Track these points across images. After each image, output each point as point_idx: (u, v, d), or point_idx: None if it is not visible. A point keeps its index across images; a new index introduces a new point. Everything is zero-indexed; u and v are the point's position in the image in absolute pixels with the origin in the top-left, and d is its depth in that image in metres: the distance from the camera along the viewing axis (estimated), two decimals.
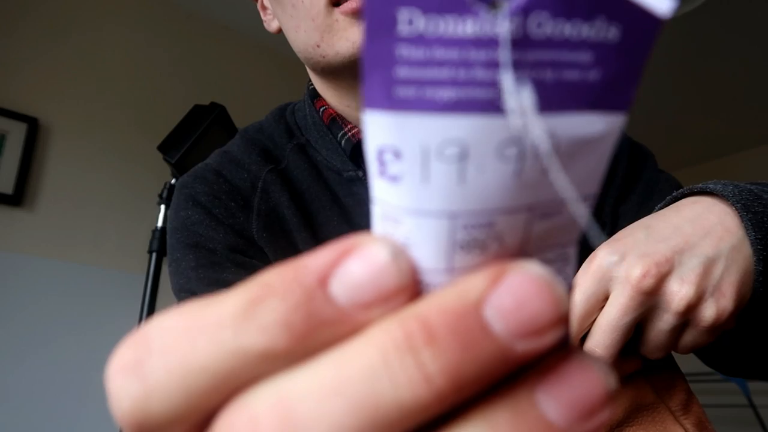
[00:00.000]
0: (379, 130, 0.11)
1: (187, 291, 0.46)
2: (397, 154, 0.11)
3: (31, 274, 1.41)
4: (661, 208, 0.34)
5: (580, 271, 0.31)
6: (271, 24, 0.55)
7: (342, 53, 0.44)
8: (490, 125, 0.11)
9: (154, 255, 0.77)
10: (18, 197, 1.42)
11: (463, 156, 0.11)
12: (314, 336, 0.11)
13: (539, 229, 0.12)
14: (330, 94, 0.52)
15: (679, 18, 1.87)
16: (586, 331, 0.30)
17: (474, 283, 0.11)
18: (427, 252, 0.12)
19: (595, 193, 0.13)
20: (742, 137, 2.85)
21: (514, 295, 0.11)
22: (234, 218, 0.48)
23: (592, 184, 0.12)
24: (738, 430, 2.41)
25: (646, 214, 0.35)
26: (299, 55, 0.49)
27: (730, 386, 2.26)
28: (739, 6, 1.87)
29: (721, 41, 2.08)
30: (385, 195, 0.12)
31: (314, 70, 0.50)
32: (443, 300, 0.11)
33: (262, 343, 0.11)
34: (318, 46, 0.44)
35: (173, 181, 0.80)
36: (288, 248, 0.48)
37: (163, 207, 0.79)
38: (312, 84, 0.55)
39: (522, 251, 0.13)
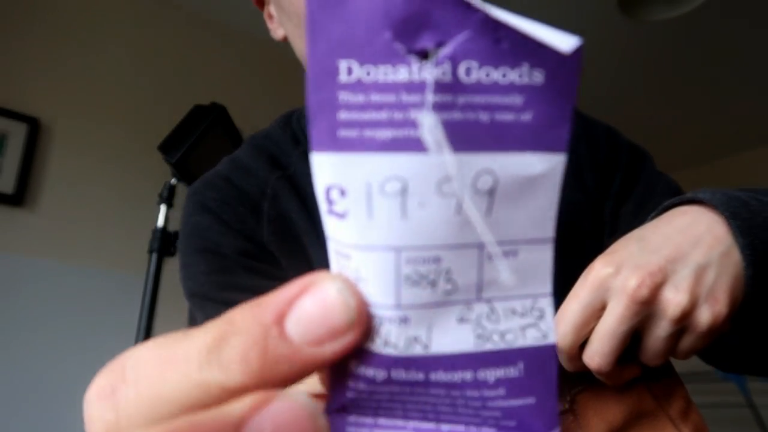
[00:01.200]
0: (326, 170, 0.12)
1: (199, 296, 0.47)
2: (343, 192, 0.12)
3: (32, 275, 1.41)
4: (653, 218, 0.35)
5: (577, 282, 0.32)
6: (277, 32, 0.58)
7: None
8: (427, 162, 0.12)
9: (154, 255, 0.77)
10: (19, 197, 1.42)
11: (403, 191, 0.12)
12: (271, 371, 0.12)
13: (495, 272, 0.13)
14: None
15: (679, 18, 1.87)
16: (584, 340, 0.31)
17: (237, 405, 0.11)
18: (377, 287, 0.13)
19: (552, 236, 0.13)
20: (742, 137, 2.85)
21: (274, 423, 0.11)
22: (244, 224, 0.48)
23: (546, 226, 0.13)
24: (738, 430, 2.41)
25: (645, 216, 0.36)
26: (302, 61, 0.52)
27: (730, 386, 2.26)
28: (739, 6, 1.87)
29: (721, 41, 2.08)
30: (335, 232, 0.13)
31: None
32: (203, 418, 0.11)
33: (221, 379, 0.12)
34: None
35: (173, 181, 0.81)
36: (298, 252, 0.49)
37: (163, 207, 0.79)
38: None
39: (480, 295, 0.13)
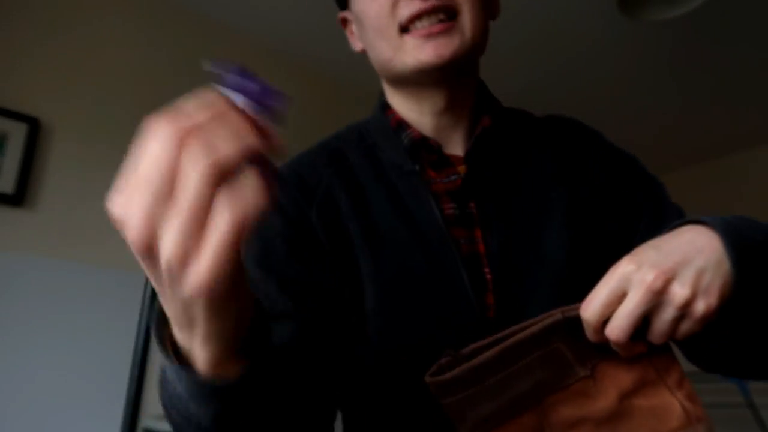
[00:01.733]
0: None
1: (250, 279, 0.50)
2: None
3: (32, 274, 1.41)
4: (666, 232, 0.46)
5: (606, 274, 0.42)
6: (356, 44, 0.69)
7: (409, 65, 0.58)
8: None
9: None
10: (19, 197, 1.42)
11: None
12: None
13: None
14: (397, 101, 0.66)
15: (679, 18, 1.87)
16: (606, 318, 0.41)
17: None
18: None
19: None
20: (742, 136, 2.85)
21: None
22: (296, 207, 0.58)
23: None
24: (738, 430, 2.41)
25: (655, 235, 0.47)
26: (377, 67, 0.64)
27: (730, 386, 2.26)
28: (739, 6, 1.87)
29: (721, 41, 2.08)
30: None
31: (387, 80, 0.66)
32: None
33: None
34: (391, 60, 0.60)
35: None
36: (343, 237, 0.57)
37: None
38: (383, 97, 0.69)
39: None
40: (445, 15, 0.56)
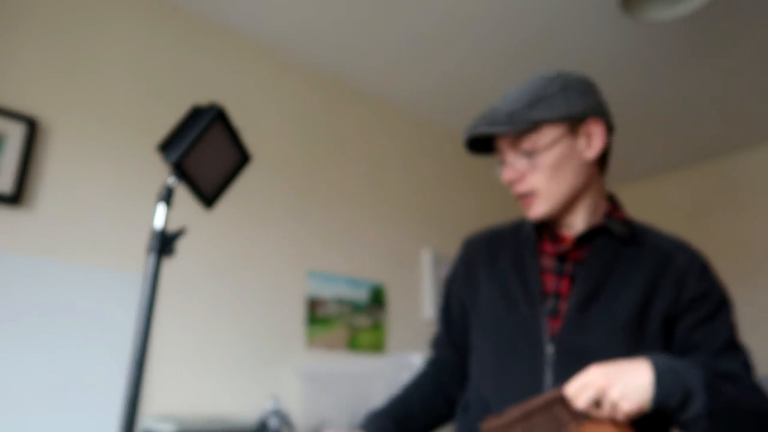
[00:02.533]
0: None
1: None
2: None
3: (30, 274, 1.40)
4: (629, 360, 0.74)
5: (583, 373, 0.72)
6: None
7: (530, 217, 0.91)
8: None
9: (153, 255, 0.76)
10: (17, 197, 1.42)
11: None
12: None
13: None
14: None
15: (680, 17, 1.87)
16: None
17: None
18: None
19: None
20: (743, 136, 2.85)
21: None
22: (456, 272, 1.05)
23: None
24: None
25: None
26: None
27: None
28: (739, 6, 1.87)
29: (721, 41, 2.08)
30: None
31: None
32: None
33: None
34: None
35: (172, 181, 0.80)
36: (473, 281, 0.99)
37: (162, 207, 0.78)
38: None
39: None
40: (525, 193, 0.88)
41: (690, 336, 0.82)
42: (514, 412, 0.72)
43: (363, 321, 2.15)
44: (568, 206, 0.89)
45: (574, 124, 0.85)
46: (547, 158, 0.84)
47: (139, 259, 1.53)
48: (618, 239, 0.88)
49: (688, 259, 0.86)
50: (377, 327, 2.19)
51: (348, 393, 1.84)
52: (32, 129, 1.48)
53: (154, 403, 1.55)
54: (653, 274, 0.84)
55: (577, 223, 0.90)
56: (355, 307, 2.14)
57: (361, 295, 2.17)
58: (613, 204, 0.93)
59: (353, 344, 2.09)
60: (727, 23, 1.97)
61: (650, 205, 3.36)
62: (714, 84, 2.37)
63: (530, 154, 0.85)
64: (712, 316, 0.82)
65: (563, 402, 0.71)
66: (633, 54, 2.16)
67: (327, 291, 2.06)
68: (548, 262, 0.89)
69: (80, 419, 1.39)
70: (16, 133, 1.45)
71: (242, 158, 0.89)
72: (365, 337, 2.14)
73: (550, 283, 0.87)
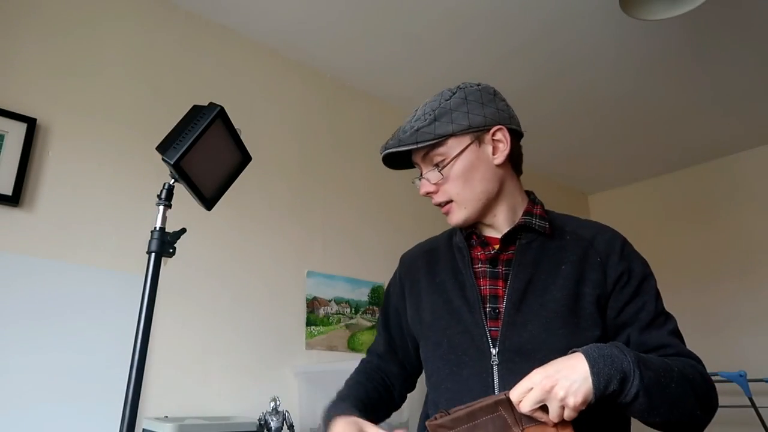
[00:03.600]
0: None
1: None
2: None
3: (30, 274, 1.40)
4: (565, 356, 0.75)
5: (525, 377, 0.72)
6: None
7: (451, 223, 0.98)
8: None
9: (153, 255, 0.76)
10: (16, 197, 1.41)
11: None
12: None
13: None
14: None
15: (680, 18, 1.87)
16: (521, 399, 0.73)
17: None
18: None
19: None
20: (743, 136, 2.85)
21: None
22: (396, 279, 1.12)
23: None
24: (738, 430, 2.41)
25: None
26: None
27: (731, 386, 2.26)
28: (739, 6, 1.87)
29: (722, 41, 2.08)
30: None
31: None
32: None
33: None
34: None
35: (172, 181, 0.80)
36: (415, 290, 1.03)
37: (161, 208, 0.78)
38: None
39: None
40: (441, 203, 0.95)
41: (620, 314, 0.86)
42: (460, 411, 0.73)
43: (363, 321, 2.15)
44: (486, 210, 0.94)
45: (477, 134, 0.91)
46: (457, 169, 0.91)
47: (139, 259, 1.53)
48: (541, 234, 0.93)
49: (606, 241, 0.91)
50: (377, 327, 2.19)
51: None
52: (31, 129, 1.47)
53: (154, 404, 1.54)
54: (578, 260, 0.89)
55: (501, 224, 0.95)
56: (355, 308, 2.14)
57: (361, 295, 2.17)
58: (531, 201, 0.98)
59: (353, 344, 2.09)
60: (726, 23, 1.97)
61: (650, 205, 3.36)
62: (713, 84, 2.36)
63: (441, 167, 0.91)
64: (636, 291, 0.87)
65: (509, 404, 0.71)
66: (632, 54, 2.15)
67: (326, 291, 2.06)
68: (482, 267, 0.94)
69: (80, 419, 1.39)
70: (15, 133, 1.45)
71: (242, 158, 0.89)
72: (365, 337, 2.14)
73: (487, 286, 0.92)
